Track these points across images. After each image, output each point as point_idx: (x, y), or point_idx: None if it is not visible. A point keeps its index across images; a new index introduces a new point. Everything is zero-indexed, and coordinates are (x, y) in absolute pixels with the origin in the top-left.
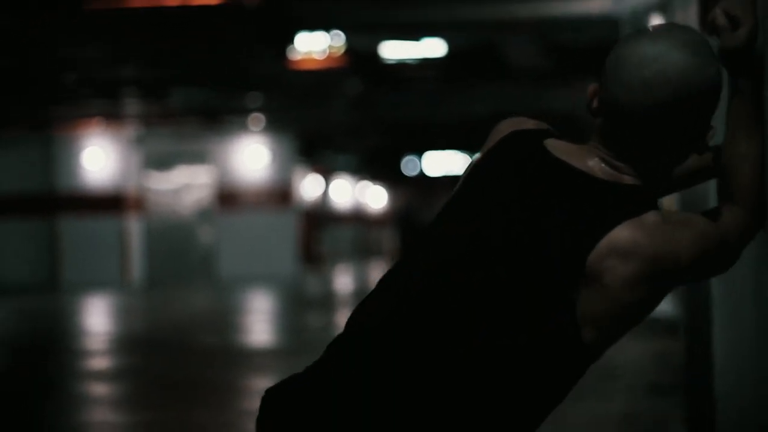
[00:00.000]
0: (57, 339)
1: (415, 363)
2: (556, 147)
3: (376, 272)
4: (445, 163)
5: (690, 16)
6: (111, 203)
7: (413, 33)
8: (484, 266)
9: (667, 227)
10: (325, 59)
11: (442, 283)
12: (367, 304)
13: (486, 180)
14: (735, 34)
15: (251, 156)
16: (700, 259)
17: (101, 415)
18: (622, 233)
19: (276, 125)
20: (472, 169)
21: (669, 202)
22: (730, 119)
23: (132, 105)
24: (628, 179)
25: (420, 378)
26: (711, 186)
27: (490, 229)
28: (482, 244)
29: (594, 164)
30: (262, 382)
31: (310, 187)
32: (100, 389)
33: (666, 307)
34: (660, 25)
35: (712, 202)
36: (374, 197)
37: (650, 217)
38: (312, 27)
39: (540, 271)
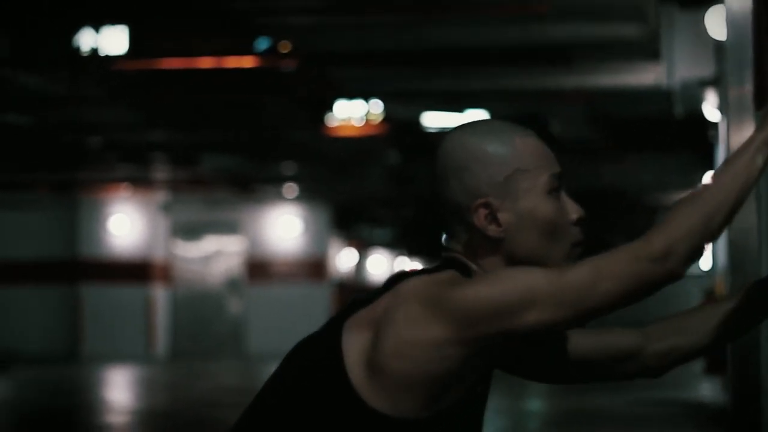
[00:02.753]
0: (76, 412)
1: None
2: None
3: None
4: None
5: (745, 92)
6: (136, 271)
7: (455, 103)
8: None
9: (461, 279)
10: (363, 127)
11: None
12: None
13: None
14: None
15: (284, 226)
16: (514, 306)
17: None
18: (405, 283)
19: (310, 195)
20: None
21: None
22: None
23: (161, 170)
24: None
25: None
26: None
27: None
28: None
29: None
30: None
31: (344, 259)
32: None
33: (711, 392)
34: None
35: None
36: None
37: (443, 273)
38: (351, 94)
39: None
